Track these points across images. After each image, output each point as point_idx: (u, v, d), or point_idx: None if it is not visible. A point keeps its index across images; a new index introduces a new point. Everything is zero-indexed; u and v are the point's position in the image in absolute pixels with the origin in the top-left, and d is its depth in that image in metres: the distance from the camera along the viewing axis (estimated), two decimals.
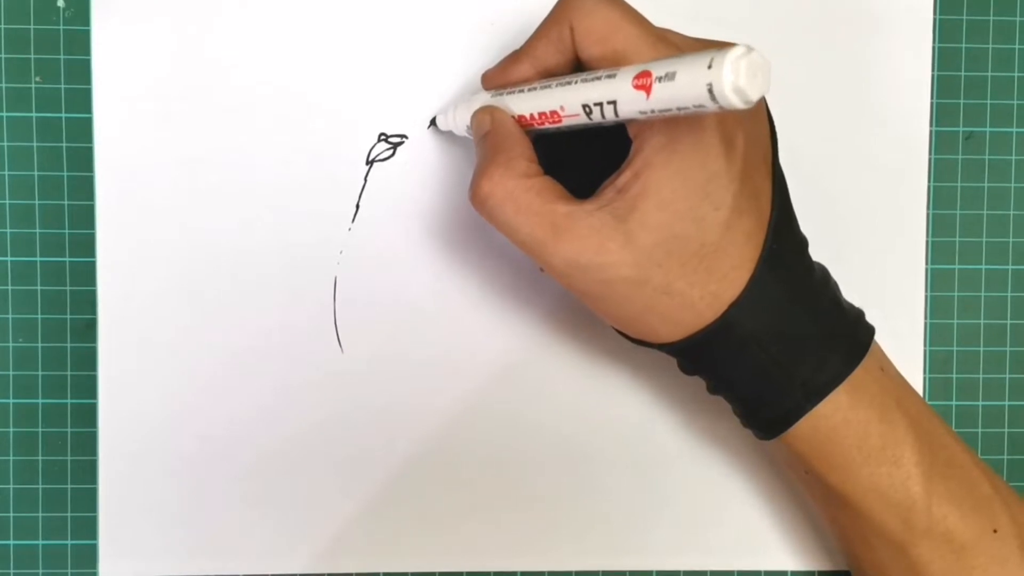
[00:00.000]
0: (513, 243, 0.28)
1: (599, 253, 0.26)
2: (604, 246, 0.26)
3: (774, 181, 0.28)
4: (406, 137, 0.35)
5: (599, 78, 0.25)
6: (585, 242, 0.26)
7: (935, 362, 0.36)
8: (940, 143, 0.36)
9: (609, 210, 0.26)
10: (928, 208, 0.36)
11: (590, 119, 0.26)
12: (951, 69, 0.36)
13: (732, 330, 0.27)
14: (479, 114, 0.29)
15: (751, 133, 0.27)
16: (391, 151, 0.35)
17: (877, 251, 0.36)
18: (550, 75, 0.28)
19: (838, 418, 0.28)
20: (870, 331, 0.29)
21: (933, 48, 0.36)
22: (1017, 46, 0.36)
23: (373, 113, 0.35)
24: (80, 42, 0.35)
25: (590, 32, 0.27)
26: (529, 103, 0.28)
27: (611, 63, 0.26)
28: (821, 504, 0.31)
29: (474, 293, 0.35)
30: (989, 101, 0.36)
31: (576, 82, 0.26)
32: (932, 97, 0.36)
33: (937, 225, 0.36)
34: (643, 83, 0.23)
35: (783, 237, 0.28)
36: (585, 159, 0.29)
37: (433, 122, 0.34)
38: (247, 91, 0.34)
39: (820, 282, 0.29)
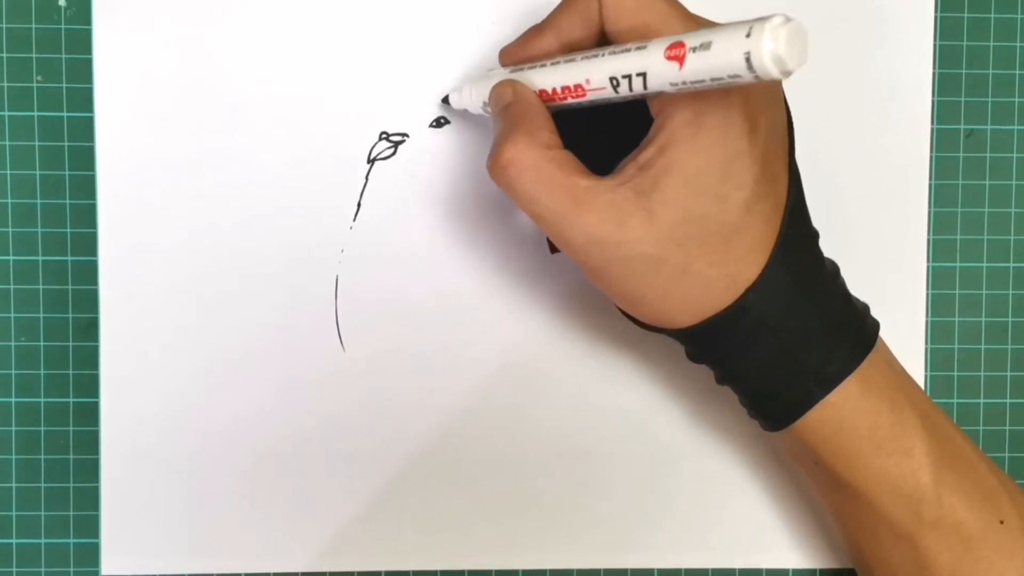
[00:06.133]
0: (530, 215, 0.27)
1: (619, 229, 0.26)
2: (625, 222, 0.26)
3: (790, 170, 0.28)
4: (407, 136, 0.35)
5: (628, 50, 0.25)
6: (605, 216, 0.26)
7: (936, 360, 0.36)
8: (941, 141, 0.36)
9: (631, 186, 0.26)
10: (929, 206, 0.36)
11: (617, 93, 0.26)
12: (952, 67, 0.36)
13: (746, 315, 0.27)
14: (499, 86, 0.29)
15: (772, 119, 0.27)
16: (392, 150, 0.35)
17: (878, 249, 0.36)
18: (572, 50, 0.28)
19: (848, 408, 0.28)
20: (876, 326, 0.29)
21: (934, 46, 0.36)
22: (1018, 44, 0.36)
23: (374, 112, 0.35)
24: (81, 41, 0.35)
25: (619, 4, 0.26)
26: (552, 77, 0.28)
27: (640, 37, 0.25)
28: (828, 496, 0.31)
29: (476, 291, 0.35)
30: (990, 99, 0.36)
31: (604, 55, 0.26)
32: (933, 95, 0.36)
33: (938, 223, 0.36)
34: (676, 54, 0.23)
35: (797, 226, 0.28)
36: (600, 140, 0.29)
37: (446, 101, 0.34)
38: (248, 90, 0.34)
39: (830, 275, 0.29)
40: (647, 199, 0.26)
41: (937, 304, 0.36)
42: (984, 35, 0.36)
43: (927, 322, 0.36)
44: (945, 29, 0.36)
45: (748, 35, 0.21)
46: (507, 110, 0.28)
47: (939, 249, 0.36)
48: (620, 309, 0.30)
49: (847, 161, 0.36)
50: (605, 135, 0.29)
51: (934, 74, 0.36)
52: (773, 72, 0.21)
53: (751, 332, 0.27)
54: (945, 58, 0.36)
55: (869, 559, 0.31)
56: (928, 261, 0.36)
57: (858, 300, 0.30)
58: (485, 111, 0.31)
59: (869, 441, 0.28)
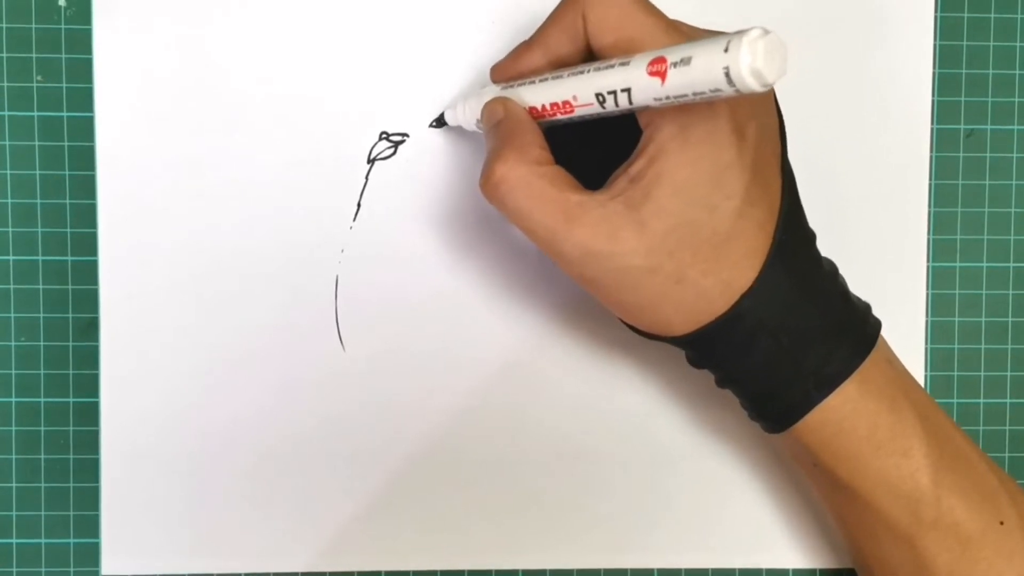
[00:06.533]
0: (523, 231, 0.27)
1: (611, 241, 0.26)
2: (616, 235, 0.26)
3: (784, 174, 0.28)
4: (407, 135, 0.35)
5: (612, 66, 0.25)
6: (597, 230, 0.26)
7: (936, 360, 0.36)
8: (941, 141, 0.36)
9: (622, 199, 0.26)
10: (929, 206, 0.36)
11: (603, 108, 0.26)
12: (952, 67, 0.36)
13: (743, 320, 0.27)
14: (491, 104, 0.29)
15: (762, 125, 0.27)
16: (392, 149, 0.35)
17: (878, 249, 0.36)
18: (561, 65, 0.28)
19: (847, 409, 0.28)
20: (877, 325, 0.29)
21: (934, 45, 0.36)
22: (1018, 43, 0.36)
23: (374, 111, 0.35)
24: (81, 41, 0.35)
25: (603, 20, 0.27)
26: (541, 94, 0.28)
27: (624, 52, 0.26)
28: (828, 498, 0.31)
29: (475, 292, 0.35)
30: (990, 99, 0.36)
31: (589, 71, 0.26)
32: (933, 95, 0.36)
33: (938, 223, 0.36)
34: (658, 69, 0.23)
35: (792, 229, 0.28)
36: (590, 154, 0.29)
37: (441, 118, 0.34)
38: (248, 90, 0.34)
39: (829, 275, 0.29)
40: (638, 211, 0.26)
41: (937, 304, 0.36)
42: (984, 35, 0.36)
43: (927, 322, 0.36)
44: (945, 29, 0.36)
45: (726, 50, 0.21)
46: (498, 127, 0.28)
47: (939, 249, 0.36)
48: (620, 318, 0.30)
49: (847, 161, 0.36)
50: (596, 149, 0.29)
51: (934, 74, 0.36)
52: (753, 85, 0.21)
53: (749, 337, 0.27)
54: (945, 58, 0.36)
55: (869, 559, 0.31)
56: (928, 261, 0.36)
57: (858, 299, 0.30)
58: (479, 127, 0.31)
59: (868, 442, 0.28)
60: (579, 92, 0.26)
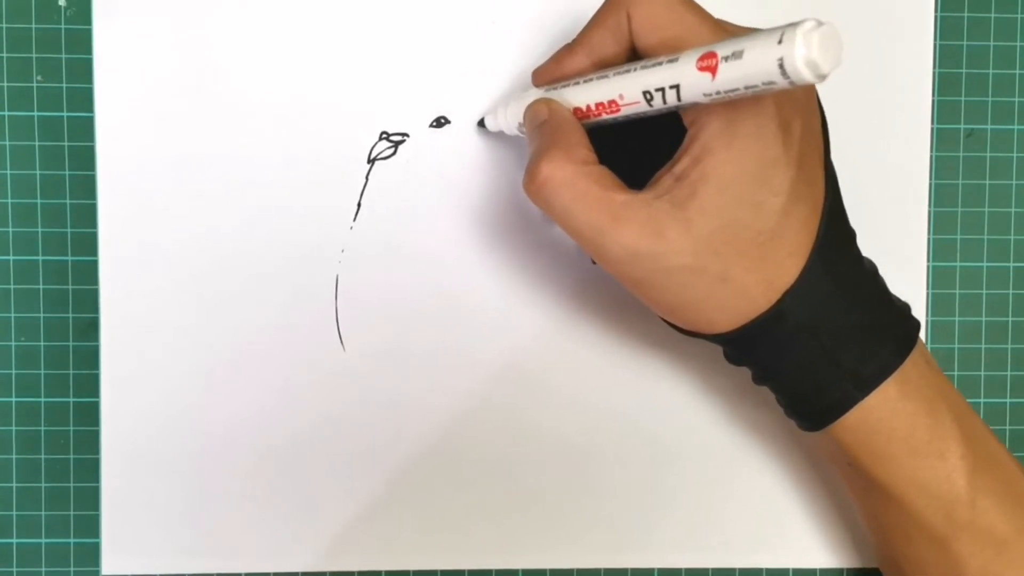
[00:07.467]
0: (567, 231, 0.27)
1: (657, 241, 0.26)
2: (663, 234, 0.26)
3: (826, 172, 0.28)
4: (407, 135, 0.35)
5: (660, 63, 0.25)
6: (643, 229, 0.26)
7: (936, 359, 0.36)
8: (941, 140, 0.36)
9: (668, 198, 0.26)
10: (929, 206, 0.36)
11: (650, 106, 0.26)
12: (952, 66, 0.36)
13: (785, 318, 0.27)
14: (535, 105, 0.29)
15: (806, 122, 0.27)
16: (393, 149, 0.35)
17: (878, 249, 0.36)
18: (604, 66, 0.28)
19: (886, 410, 0.28)
20: (917, 325, 0.29)
21: (934, 45, 0.36)
22: (1018, 43, 0.36)
23: (375, 111, 0.35)
24: (81, 41, 0.35)
25: (648, 19, 0.27)
26: (586, 94, 0.28)
27: (670, 51, 0.26)
28: (861, 498, 0.31)
29: (476, 291, 0.35)
30: (990, 98, 0.36)
31: (636, 69, 0.26)
32: (933, 94, 0.36)
33: (938, 223, 0.36)
34: (708, 64, 0.23)
35: (834, 227, 0.28)
36: (630, 154, 0.29)
37: (481, 124, 0.34)
38: (248, 89, 0.34)
39: (869, 274, 0.29)
40: (684, 209, 0.26)
41: (937, 304, 0.36)
42: (984, 35, 0.36)
43: (927, 322, 0.36)
44: (945, 29, 0.36)
45: (780, 41, 0.21)
46: (543, 127, 0.28)
47: (939, 249, 0.36)
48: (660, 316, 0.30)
49: (847, 161, 0.35)
50: (629, 152, 0.29)
51: (934, 74, 0.36)
52: (807, 76, 0.21)
53: (790, 334, 0.27)
54: (945, 58, 0.36)
55: (900, 560, 0.31)
56: (928, 261, 0.36)
57: (898, 299, 0.30)
58: (521, 131, 0.31)
59: (905, 443, 0.28)
60: (625, 90, 0.26)
